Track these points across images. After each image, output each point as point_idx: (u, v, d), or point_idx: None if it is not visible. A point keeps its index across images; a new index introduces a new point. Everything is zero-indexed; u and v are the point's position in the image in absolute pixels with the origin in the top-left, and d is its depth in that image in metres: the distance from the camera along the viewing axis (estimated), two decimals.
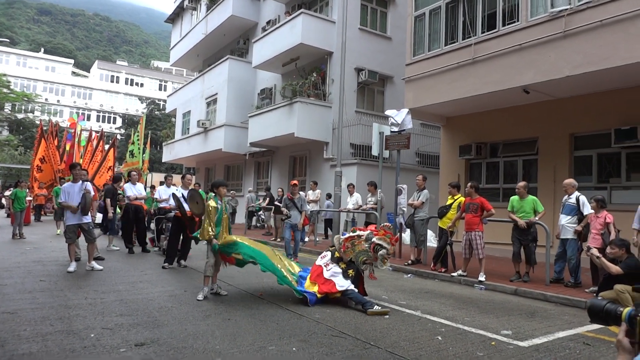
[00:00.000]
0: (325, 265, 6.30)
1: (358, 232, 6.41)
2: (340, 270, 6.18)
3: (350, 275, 6.14)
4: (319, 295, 6.05)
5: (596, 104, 10.23)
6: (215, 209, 6.22)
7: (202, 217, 6.55)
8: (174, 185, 10.97)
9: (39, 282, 6.81)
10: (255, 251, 6.30)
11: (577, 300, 6.66)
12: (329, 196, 14.76)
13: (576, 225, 7.70)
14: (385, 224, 7.12)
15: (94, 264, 8.02)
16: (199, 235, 6.38)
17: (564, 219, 7.84)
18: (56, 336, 4.29)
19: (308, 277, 6.37)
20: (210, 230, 6.14)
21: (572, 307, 6.54)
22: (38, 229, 16.04)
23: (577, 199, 7.77)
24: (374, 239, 6.16)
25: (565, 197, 8.00)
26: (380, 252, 6.08)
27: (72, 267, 7.76)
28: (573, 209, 7.78)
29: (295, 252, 10.26)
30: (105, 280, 7.19)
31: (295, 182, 10.49)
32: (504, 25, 10.47)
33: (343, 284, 6.03)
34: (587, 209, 7.59)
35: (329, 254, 6.50)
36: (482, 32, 10.88)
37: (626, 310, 1.89)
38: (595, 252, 6.38)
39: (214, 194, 6.48)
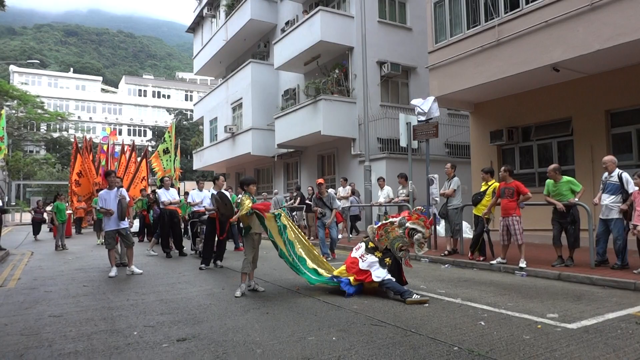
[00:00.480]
0: (360, 257, 6.24)
1: (391, 219, 6.31)
2: (377, 260, 6.11)
3: (388, 263, 6.05)
4: (353, 283, 5.99)
5: (631, 77, 9.82)
6: (249, 203, 6.23)
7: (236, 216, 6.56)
8: (205, 189, 11.11)
9: (82, 287, 7.01)
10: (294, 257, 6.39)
11: (625, 282, 6.37)
12: (352, 192, 14.62)
13: (620, 204, 7.38)
14: (417, 207, 6.99)
15: (134, 268, 8.20)
16: (240, 213, 6.24)
17: (607, 199, 7.49)
18: (100, 335, 4.39)
19: (343, 267, 6.33)
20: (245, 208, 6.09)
21: (620, 290, 6.26)
22: (79, 240, 16.54)
23: (620, 177, 7.44)
24: (407, 224, 6.06)
25: (606, 175, 7.67)
26: (416, 237, 5.97)
27: (114, 272, 7.96)
28: (617, 187, 7.43)
29: (332, 248, 10.17)
30: (145, 282, 7.33)
31: (321, 180, 10.38)
32: (527, 3, 10.17)
33: (380, 274, 5.96)
34: (632, 187, 7.26)
35: (363, 245, 6.44)
36: (506, 12, 10.60)
37: None
38: None
39: (244, 191, 6.52)
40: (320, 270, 6.54)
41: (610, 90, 10.23)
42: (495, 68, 10.75)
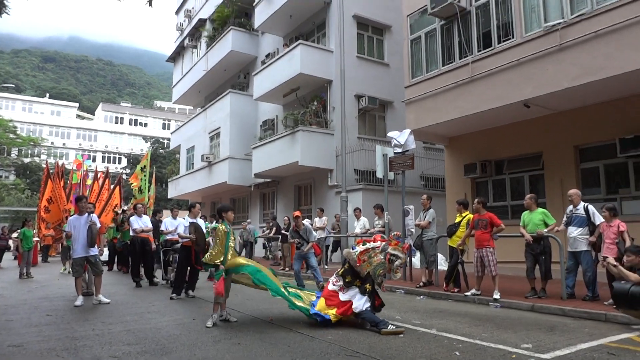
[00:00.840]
0: (340, 290, 6.14)
1: (372, 244, 6.24)
2: (357, 289, 6.02)
3: (368, 290, 5.99)
4: (333, 320, 5.89)
5: (598, 114, 10.22)
6: (225, 233, 6.16)
7: (210, 243, 6.47)
8: (180, 217, 10.91)
9: (46, 316, 6.71)
10: (265, 277, 6.19)
11: (596, 314, 6.46)
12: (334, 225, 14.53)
13: (588, 236, 7.54)
14: (394, 232, 6.99)
15: (101, 297, 7.90)
16: (207, 259, 6.21)
17: (575, 231, 7.66)
18: None
19: (322, 300, 6.19)
20: (220, 255, 6.06)
21: (592, 321, 6.33)
22: (45, 269, 15.95)
23: (586, 209, 7.63)
24: (389, 249, 6.06)
25: (571, 207, 7.85)
26: (396, 263, 6.01)
27: (79, 301, 7.65)
28: (583, 219, 7.62)
29: (317, 277, 9.75)
30: (112, 312, 7.06)
31: (297, 213, 10.27)
32: (499, 42, 10.60)
33: (360, 304, 5.88)
34: (599, 218, 7.45)
35: (341, 279, 6.28)
36: (479, 51, 11.01)
37: None
38: (612, 260, 6.25)
39: (222, 219, 6.43)
40: (300, 301, 6.41)
41: (579, 127, 10.61)
42: (469, 103, 11.06)
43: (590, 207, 7.65)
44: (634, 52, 8.19)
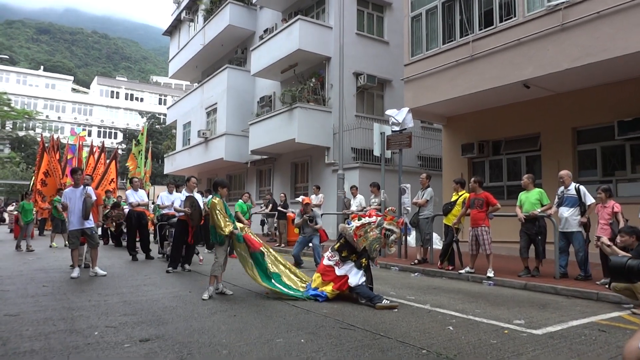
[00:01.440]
0: (336, 264, 6.17)
1: (367, 219, 6.26)
2: (353, 263, 6.07)
3: (364, 264, 6.05)
4: (330, 296, 5.94)
5: (597, 96, 10.18)
6: (221, 202, 6.16)
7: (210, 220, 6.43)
8: (176, 192, 10.89)
9: (42, 287, 6.74)
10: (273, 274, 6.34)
11: (588, 292, 6.54)
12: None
13: (579, 217, 7.59)
14: (389, 208, 7.00)
15: (98, 269, 7.94)
16: (217, 234, 6.16)
17: (567, 212, 7.67)
18: (59, 335, 4.21)
19: (318, 276, 6.23)
20: (228, 224, 6.07)
21: (584, 299, 6.41)
22: (41, 241, 15.93)
23: (577, 189, 7.66)
24: (384, 224, 6.10)
25: (562, 188, 7.87)
26: (392, 238, 6.06)
27: (76, 273, 7.68)
28: (574, 200, 7.64)
29: (317, 258, 9.41)
30: (108, 284, 7.10)
31: (307, 200, 10.04)
32: (501, 21, 10.47)
33: (356, 279, 5.93)
34: (590, 199, 7.50)
35: (337, 254, 6.33)
36: (480, 29, 10.88)
37: None
38: (605, 240, 6.30)
39: (215, 192, 6.43)
40: (295, 286, 6.46)
41: (577, 109, 10.58)
42: (468, 82, 10.98)
43: (582, 188, 7.68)
44: (636, 34, 8.11)
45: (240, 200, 13.30)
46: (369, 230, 6.14)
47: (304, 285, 6.41)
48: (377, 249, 6.15)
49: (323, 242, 9.87)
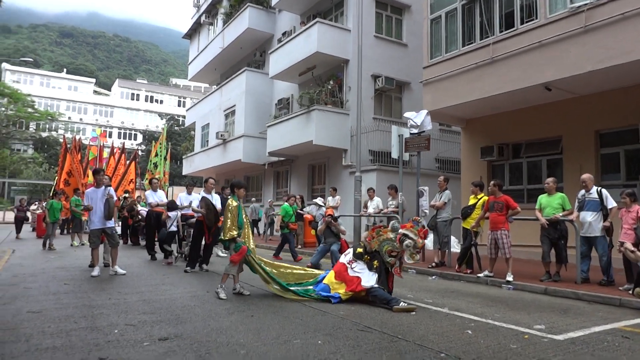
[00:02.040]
0: (349, 263, 6.19)
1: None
2: (365, 266, 6.05)
3: (376, 266, 6.01)
4: (343, 298, 5.93)
5: (621, 99, 9.98)
6: (236, 207, 6.20)
7: (223, 219, 6.51)
8: (195, 193, 10.99)
9: (63, 285, 6.86)
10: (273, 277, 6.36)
11: (610, 298, 6.40)
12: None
13: (602, 221, 7.43)
14: (414, 217, 6.91)
15: (117, 268, 8.06)
16: (221, 236, 6.28)
17: (589, 216, 7.52)
18: (80, 332, 4.27)
19: (331, 275, 6.26)
20: (233, 229, 6.10)
21: (606, 305, 6.28)
22: (63, 240, 16.24)
23: (600, 193, 7.51)
24: (400, 230, 6.04)
25: (583, 192, 7.71)
26: (406, 243, 5.91)
27: (96, 271, 7.81)
28: (597, 204, 7.49)
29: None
30: (128, 283, 7.20)
31: (330, 211, 10.08)
32: (522, 23, 10.34)
33: (369, 281, 5.91)
34: (612, 202, 7.35)
35: (351, 250, 6.38)
36: (500, 32, 10.76)
37: None
38: (629, 246, 6.17)
39: (233, 194, 6.47)
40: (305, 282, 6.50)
41: (600, 111, 10.38)
42: (488, 85, 10.87)
43: (604, 191, 7.53)
44: None
45: (285, 204, 12.45)
46: (381, 232, 6.13)
47: (315, 274, 6.45)
48: (389, 251, 6.03)
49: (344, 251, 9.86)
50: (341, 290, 6.01)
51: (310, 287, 6.28)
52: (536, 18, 10.06)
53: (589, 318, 5.41)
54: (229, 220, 6.13)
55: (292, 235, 12.02)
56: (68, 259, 10.46)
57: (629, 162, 10.15)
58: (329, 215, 9.74)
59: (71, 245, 14.04)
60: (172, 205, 10.32)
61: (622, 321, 5.27)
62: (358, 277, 5.99)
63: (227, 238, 6.13)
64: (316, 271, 6.95)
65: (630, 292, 6.42)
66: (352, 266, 6.14)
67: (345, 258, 6.32)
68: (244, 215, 6.32)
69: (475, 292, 7.23)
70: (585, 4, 9.05)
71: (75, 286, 6.82)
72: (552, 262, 7.95)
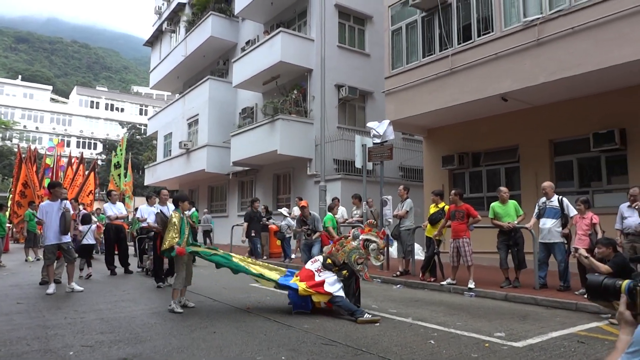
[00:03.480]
0: (317, 271, 6.14)
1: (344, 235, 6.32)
2: (333, 274, 6.03)
3: (345, 275, 6.01)
4: (302, 293, 5.86)
5: (573, 109, 10.41)
6: (180, 219, 6.14)
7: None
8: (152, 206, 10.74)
9: (16, 304, 6.55)
10: (219, 257, 6.29)
11: (568, 303, 6.63)
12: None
13: (561, 228, 7.71)
14: (368, 220, 7.00)
15: (74, 284, 7.75)
16: (164, 246, 6.14)
17: (549, 223, 7.79)
18: (33, 355, 4.08)
19: (296, 275, 6.23)
20: (173, 237, 6.02)
21: (563, 310, 6.51)
22: (16, 255, 15.54)
23: (560, 201, 7.79)
24: (361, 236, 6.09)
25: (543, 199, 7.99)
26: (371, 247, 5.99)
27: (52, 289, 7.48)
28: (557, 212, 7.77)
29: None
30: (85, 300, 6.94)
31: (304, 203, 10.13)
32: (479, 35, 10.67)
33: (333, 287, 5.90)
34: (573, 211, 7.62)
35: (320, 258, 6.34)
36: (459, 43, 11.07)
37: (625, 283, 1.85)
38: (583, 252, 6.38)
39: (176, 207, 6.39)
40: (268, 273, 6.45)
41: (554, 121, 10.80)
42: (448, 95, 11.14)
43: (565, 200, 7.81)
44: (610, 49, 8.34)
45: (329, 214, 11.18)
46: (345, 243, 6.17)
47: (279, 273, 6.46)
48: (357, 260, 6.06)
49: (325, 247, 9.95)
50: (302, 285, 5.96)
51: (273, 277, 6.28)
52: (492, 31, 10.41)
53: (547, 323, 5.57)
54: (171, 232, 6.04)
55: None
56: (22, 276, 10.01)
57: (581, 170, 10.59)
58: (306, 226, 9.79)
59: (26, 260, 13.45)
60: (86, 219, 10.00)
61: (578, 325, 5.46)
62: (322, 280, 5.97)
63: (166, 247, 6.02)
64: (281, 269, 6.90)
65: (585, 295, 6.66)
66: (320, 274, 6.10)
67: (313, 265, 6.28)
68: (186, 228, 6.24)
69: (439, 300, 7.34)
70: (537, 18, 9.43)
71: (30, 305, 6.52)
72: (511, 268, 8.17)
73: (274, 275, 6.36)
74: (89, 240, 9.86)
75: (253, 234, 12.37)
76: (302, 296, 5.95)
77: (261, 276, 6.27)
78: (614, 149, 9.71)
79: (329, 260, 6.21)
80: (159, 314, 5.98)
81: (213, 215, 21.31)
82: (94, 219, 10.33)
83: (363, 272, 6.17)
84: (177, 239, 6.03)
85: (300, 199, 14.18)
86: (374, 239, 6.07)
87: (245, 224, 12.71)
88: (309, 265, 6.36)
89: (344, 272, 6.04)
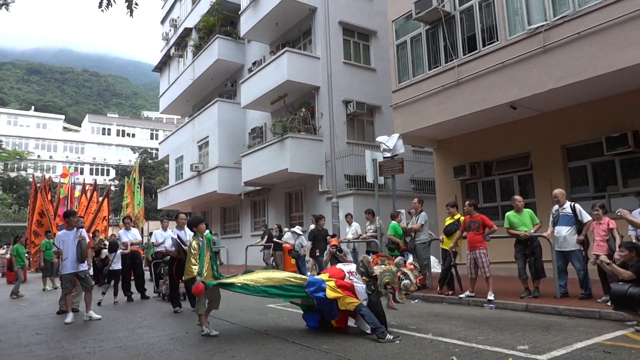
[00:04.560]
0: (348, 272, 6.03)
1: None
2: (363, 283, 5.94)
3: (373, 290, 5.90)
4: (330, 290, 5.72)
5: (584, 114, 10.33)
6: (198, 246, 6.13)
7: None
8: (170, 229, 10.80)
9: (35, 335, 6.57)
10: (239, 289, 6.08)
11: (590, 311, 6.49)
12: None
13: (577, 235, 7.58)
14: (414, 263, 6.79)
15: (92, 313, 7.77)
16: (184, 277, 6.17)
17: (564, 230, 7.65)
18: None
19: (324, 272, 6.12)
20: (193, 267, 6.00)
21: (586, 319, 6.36)
22: (34, 285, 15.66)
23: (573, 208, 7.67)
24: (402, 268, 6.00)
25: (556, 207, 7.87)
26: (404, 282, 5.82)
27: (70, 318, 7.51)
28: (571, 218, 7.64)
29: None
30: (103, 328, 6.94)
31: (334, 242, 10.21)
32: (484, 45, 10.69)
33: (361, 295, 5.81)
34: (586, 216, 7.50)
35: (354, 265, 6.25)
36: (464, 54, 11.09)
37: None
38: (604, 258, 6.25)
39: (193, 233, 6.39)
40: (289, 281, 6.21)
41: (565, 126, 10.71)
42: (456, 106, 11.13)
43: (577, 206, 7.70)
44: (617, 52, 8.31)
45: (393, 222, 10.68)
46: (387, 262, 6.12)
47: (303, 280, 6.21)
48: (386, 284, 5.93)
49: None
50: (330, 283, 5.85)
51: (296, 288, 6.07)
52: (497, 40, 10.43)
53: (571, 334, 5.45)
54: (191, 260, 6.04)
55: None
56: (40, 306, 10.06)
57: (596, 174, 10.46)
58: (334, 245, 9.73)
59: (43, 289, 13.54)
60: (113, 247, 10.18)
61: (603, 335, 5.33)
62: (352, 283, 5.88)
63: (187, 277, 6.01)
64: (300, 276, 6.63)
65: (608, 303, 6.51)
66: (350, 276, 6.00)
67: (346, 267, 6.18)
68: (206, 254, 6.21)
69: (458, 314, 7.23)
70: (542, 25, 9.43)
71: (48, 335, 6.54)
72: (529, 278, 8.04)
73: (298, 280, 6.13)
74: (115, 266, 10.00)
75: (317, 254, 11.90)
76: (328, 300, 5.77)
77: (282, 294, 6.09)
78: (627, 152, 9.60)
79: (361, 269, 6.06)
80: (177, 339, 5.96)
81: (227, 237, 21.36)
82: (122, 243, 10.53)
83: (389, 299, 6.00)
84: (196, 268, 5.99)
85: (318, 218, 14.12)
86: (411, 277, 5.92)
87: (309, 243, 12.14)
88: (340, 266, 6.25)
89: (372, 286, 5.96)
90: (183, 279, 6.15)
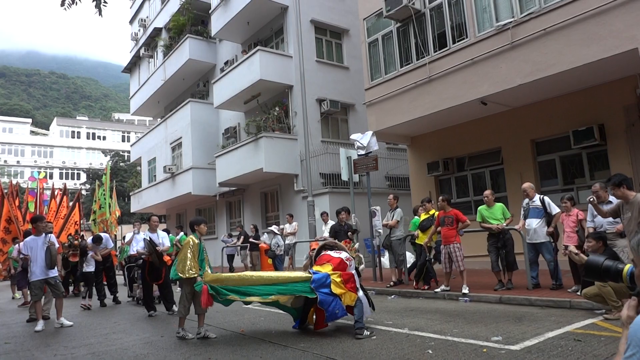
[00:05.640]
0: (347, 260, 5.99)
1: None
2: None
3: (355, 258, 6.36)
4: (336, 284, 5.60)
5: (552, 108, 10.58)
6: (197, 244, 6.00)
7: (177, 255, 6.25)
8: (142, 231, 10.61)
9: (4, 344, 6.35)
10: (250, 288, 5.79)
11: (561, 301, 6.65)
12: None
13: (546, 227, 7.76)
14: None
15: (63, 320, 7.56)
16: (177, 271, 5.89)
17: (534, 223, 7.83)
18: None
19: (327, 261, 6.01)
20: (193, 267, 5.83)
21: (557, 309, 6.52)
22: (3, 293, 15.18)
23: (542, 201, 7.86)
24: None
25: (527, 201, 8.05)
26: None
27: (40, 325, 7.29)
28: (540, 211, 7.83)
29: None
30: (75, 335, 6.76)
31: (315, 245, 9.70)
32: (454, 42, 10.83)
33: (358, 281, 6.00)
34: (555, 209, 7.70)
35: (345, 253, 6.21)
36: (435, 51, 11.22)
37: (627, 267, 1.82)
38: (573, 249, 6.40)
39: (193, 232, 6.27)
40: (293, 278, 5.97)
41: (534, 121, 10.95)
42: (428, 103, 11.25)
43: (546, 198, 7.90)
44: (582, 48, 8.52)
45: (415, 217, 10.28)
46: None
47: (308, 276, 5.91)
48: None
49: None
50: (327, 268, 5.80)
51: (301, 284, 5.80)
52: (466, 37, 10.57)
53: (543, 324, 5.57)
54: (189, 258, 5.85)
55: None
56: (9, 314, 9.75)
57: (564, 167, 10.72)
58: (314, 249, 9.63)
59: (12, 298, 13.13)
60: (97, 240, 10.20)
61: (574, 323, 5.47)
62: (353, 277, 5.88)
63: (185, 276, 5.82)
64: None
65: (578, 293, 6.69)
66: (350, 263, 5.99)
67: (341, 254, 6.09)
68: (205, 254, 6.11)
69: (434, 308, 7.31)
70: (510, 22, 9.61)
71: (18, 344, 6.33)
72: (502, 271, 8.20)
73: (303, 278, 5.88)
74: (88, 267, 9.82)
75: None
76: (334, 296, 5.56)
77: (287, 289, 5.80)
78: (594, 145, 9.87)
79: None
80: (152, 343, 5.85)
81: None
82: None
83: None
84: (195, 271, 5.78)
85: (291, 216, 14.19)
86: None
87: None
88: (334, 254, 6.11)
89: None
90: (177, 274, 5.84)
